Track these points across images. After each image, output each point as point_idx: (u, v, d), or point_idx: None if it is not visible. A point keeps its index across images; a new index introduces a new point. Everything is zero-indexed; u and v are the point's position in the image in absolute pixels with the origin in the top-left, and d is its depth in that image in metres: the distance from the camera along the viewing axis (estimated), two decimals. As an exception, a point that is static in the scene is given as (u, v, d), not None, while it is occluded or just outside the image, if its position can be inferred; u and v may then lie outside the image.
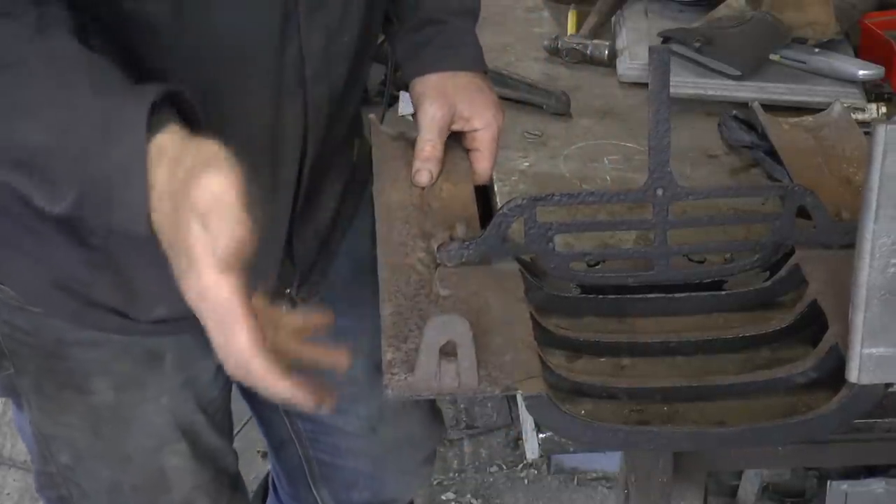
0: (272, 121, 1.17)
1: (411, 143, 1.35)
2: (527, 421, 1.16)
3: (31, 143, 0.95)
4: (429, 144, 1.30)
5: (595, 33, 1.87)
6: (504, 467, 2.60)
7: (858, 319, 1.02)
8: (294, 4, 1.11)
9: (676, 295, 1.23)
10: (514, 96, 1.70)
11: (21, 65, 0.94)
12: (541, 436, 1.11)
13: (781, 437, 1.08)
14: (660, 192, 1.19)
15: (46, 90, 0.95)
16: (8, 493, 2.57)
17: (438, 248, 1.21)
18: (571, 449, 1.13)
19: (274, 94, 1.15)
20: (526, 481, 2.57)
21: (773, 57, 1.74)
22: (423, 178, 1.29)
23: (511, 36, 1.91)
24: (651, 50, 1.15)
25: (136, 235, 0.95)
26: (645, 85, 1.71)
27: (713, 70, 1.72)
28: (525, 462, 2.60)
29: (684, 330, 1.21)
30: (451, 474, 2.59)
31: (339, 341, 1.08)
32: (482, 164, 1.33)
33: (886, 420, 1.12)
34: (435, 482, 2.56)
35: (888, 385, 1.06)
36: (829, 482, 2.04)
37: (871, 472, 2.05)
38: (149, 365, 1.28)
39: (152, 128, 0.93)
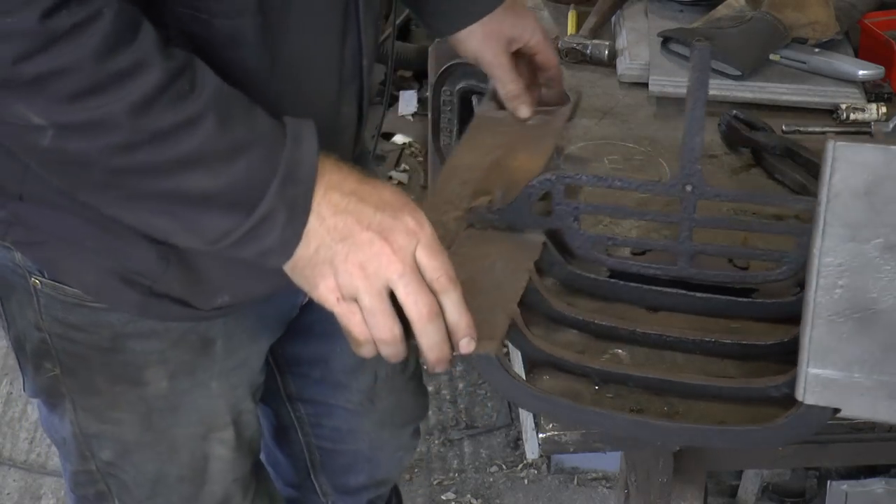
0: (334, 111, 1.22)
1: (512, 120, 1.48)
2: (527, 421, 1.16)
3: (193, 191, 0.99)
4: (511, 83, 1.44)
5: (595, 33, 1.87)
6: (504, 467, 2.60)
7: (805, 338, 1.01)
8: (354, 1, 1.18)
9: (698, 294, 1.24)
10: (514, 96, 1.69)
11: (197, 120, 0.98)
12: (541, 436, 1.12)
13: (721, 441, 1.09)
14: (689, 188, 1.20)
15: (214, 140, 0.98)
16: (8, 493, 2.57)
17: (470, 209, 1.27)
18: (571, 449, 1.13)
19: (336, 87, 1.21)
20: (526, 481, 2.57)
21: (773, 57, 1.74)
22: (525, 108, 1.45)
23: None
24: (693, 47, 1.15)
25: (273, 265, 1.04)
26: (644, 85, 1.72)
27: (713, 70, 1.72)
28: (525, 462, 2.60)
29: (693, 328, 1.21)
30: (451, 474, 2.59)
31: None
32: (547, 57, 1.46)
33: (887, 420, 1.12)
34: (435, 482, 2.56)
35: (836, 410, 1.04)
36: (829, 482, 2.04)
37: (871, 472, 2.05)
38: (201, 351, 1.29)
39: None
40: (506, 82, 1.43)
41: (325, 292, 1.04)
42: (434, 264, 1.03)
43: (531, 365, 1.16)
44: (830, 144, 0.95)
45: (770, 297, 1.23)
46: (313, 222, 1.02)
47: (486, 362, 1.08)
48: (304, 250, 1.03)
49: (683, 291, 1.24)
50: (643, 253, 1.27)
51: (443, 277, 1.03)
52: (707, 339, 1.18)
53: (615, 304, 1.25)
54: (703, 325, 1.22)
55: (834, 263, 0.98)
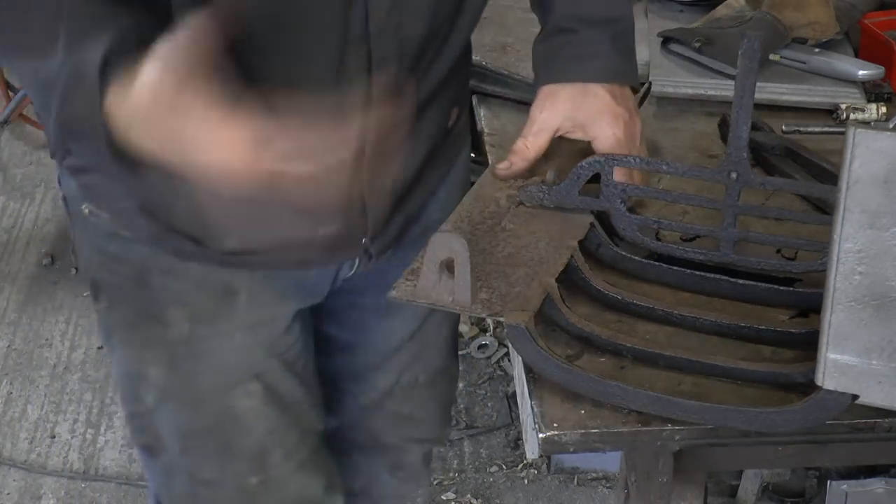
0: (336, 69, 1.20)
1: None
2: (527, 421, 1.16)
3: (26, 73, 1.05)
4: (521, 141, 1.37)
5: (595, 33, 1.87)
6: (504, 467, 2.60)
7: (825, 323, 1.02)
8: None
9: (740, 281, 1.25)
10: (514, 96, 1.70)
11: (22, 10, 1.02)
12: (541, 436, 1.12)
13: (739, 422, 1.09)
14: (733, 175, 1.22)
15: (34, 34, 1.01)
16: (8, 493, 2.57)
17: (521, 187, 1.32)
18: (571, 449, 1.13)
19: (339, 45, 1.18)
20: (526, 481, 2.57)
21: (773, 57, 1.74)
22: (503, 165, 1.36)
23: (511, 36, 1.91)
24: (743, 36, 1.16)
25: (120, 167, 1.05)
26: (643, 85, 1.71)
27: (713, 70, 1.72)
28: (525, 462, 2.60)
29: (731, 314, 1.22)
30: (451, 474, 2.59)
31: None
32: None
33: (886, 420, 1.12)
34: (435, 482, 2.56)
35: (855, 396, 1.04)
36: (829, 482, 2.04)
37: (871, 472, 2.05)
38: (223, 299, 1.31)
39: (108, 78, 0.99)
40: (520, 138, 1.37)
41: None
42: None
43: (561, 341, 1.18)
44: (851, 131, 0.96)
45: (812, 287, 1.23)
46: None
47: (516, 332, 1.12)
48: None
49: (726, 278, 1.26)
50: (693, 239, 1.30)
51: None
52: (742, 325, 1.20)
53: (658, 286, 1.27)
54: (743, 311, 1.23)
55: (853, 249, 0.99)
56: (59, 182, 1.34)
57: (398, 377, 1.57)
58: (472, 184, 1.39)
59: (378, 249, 1.37)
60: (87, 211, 1.29)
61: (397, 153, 1.32)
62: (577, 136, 1.36)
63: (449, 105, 1.39)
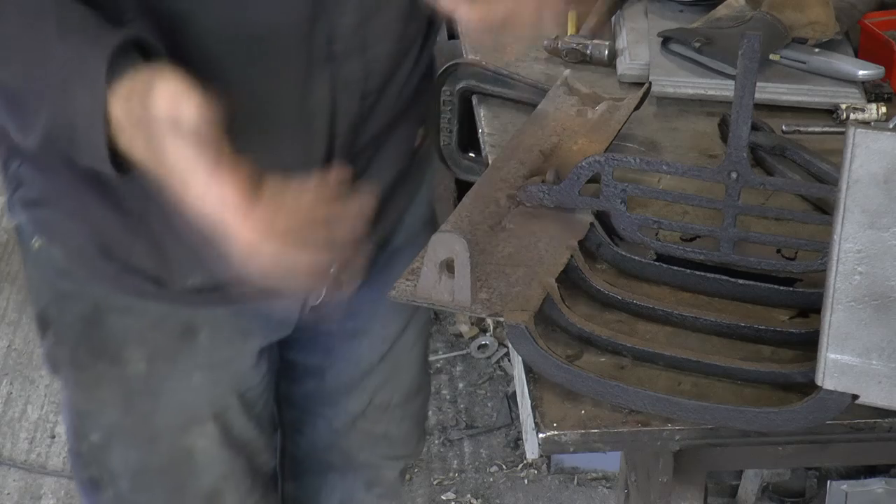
0: (301, 93, 1.18)
1: (590, 101, 1.51)
2: (527, 421, 1.16)
3: (3, 81, 1.00)
4: None
5: (595, 33, 1.87)
6: (504, 467, 2.60)
7: (825, 323, 1.02)
8: None
9: (740, 281, 1.25)
10: (514, 96, 1.69)
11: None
12: (541, 436, 1.12)
13: (738, 422, 1.10)
14: (734, 175, 1.22)
15: (16, 32, 0.98)
16: (8, 493, 2.57)
17: (521, 187, 1.32)
18: (571, 449, 1.13)
19: (303, 68, 1.17)
20: (526, 481, 2.57)
21: (773, 57, 1.74)
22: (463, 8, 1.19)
23: (511, 36, 1.91)
24: (743, 36, 1.17)
25: (108, 176, 1.01)
26: (643, 85, 1.71)
27: (713, 70, 1.72)
28: (525, 462, 2.60)
29: (731, 314, 1.22)
30: (451, 474, 2.59)
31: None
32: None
33: (887, 420, 1.12)
34: (435, 482, 2.56)
35: (855, 396, 1.05)
36: (829, 482, 2.04)
37: (871, 472, 2.05)
38: (183, 338, 1.28)
39: (113, 74, 0.96)
40: None
41: None
42: None
43: (562, 341, 1.19)
44: (851, 131, 0.96)
45: (811, 287, 1.23)
46: None
47: (516, 332, 1.12)
48: None
49: (726, 277, 1.26)
50: (693, 239, 1.30)
51: None
52: (742, 325, 1.20)
53: (658, 286, 1.27)
54: (743, 311, 1.23)
55: (853, 249, 0.99)
56: (9, 209, 1.27)
57: (370, 399, 1.55)
58: (444, 198, 1.38)
59: (343, 276, 1.34)
60: (37, 245, 1.25)
61: (369, 181, 1.30)
62: None
63: (416, 125, 1.38)
